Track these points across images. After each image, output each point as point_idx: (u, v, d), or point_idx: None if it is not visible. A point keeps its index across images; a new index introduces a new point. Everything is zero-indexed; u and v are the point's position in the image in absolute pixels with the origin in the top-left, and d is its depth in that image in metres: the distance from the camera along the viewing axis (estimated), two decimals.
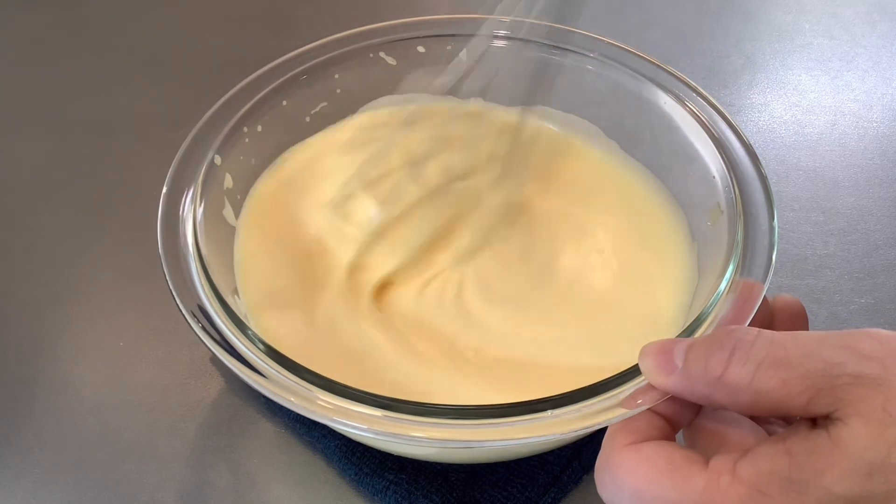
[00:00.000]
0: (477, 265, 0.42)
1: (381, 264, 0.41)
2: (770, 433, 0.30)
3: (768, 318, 0.35)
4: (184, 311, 0.34)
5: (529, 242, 0.43)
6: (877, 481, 0.24)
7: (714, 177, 0.41)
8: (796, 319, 0.35)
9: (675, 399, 0.29)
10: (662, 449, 0.27)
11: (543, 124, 0.49)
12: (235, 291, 0.40)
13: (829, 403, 0.25)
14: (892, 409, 0.25)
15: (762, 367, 0.26)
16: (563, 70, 0.47)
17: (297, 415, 0.41)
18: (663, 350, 0.29)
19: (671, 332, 0.37)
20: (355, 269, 0.41)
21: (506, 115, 0.48)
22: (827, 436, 0.25)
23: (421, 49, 0.48)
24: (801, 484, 0.25)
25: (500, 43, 0.48)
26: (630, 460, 0.28)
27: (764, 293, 0.34)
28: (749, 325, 0.33)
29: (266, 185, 0.45)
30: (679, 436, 0.31)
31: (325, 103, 0.47)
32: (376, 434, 0.30)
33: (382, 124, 0.47)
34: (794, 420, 0.28)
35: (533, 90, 0.48)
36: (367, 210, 0.42)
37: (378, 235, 0.42)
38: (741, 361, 0.27)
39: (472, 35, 0.47)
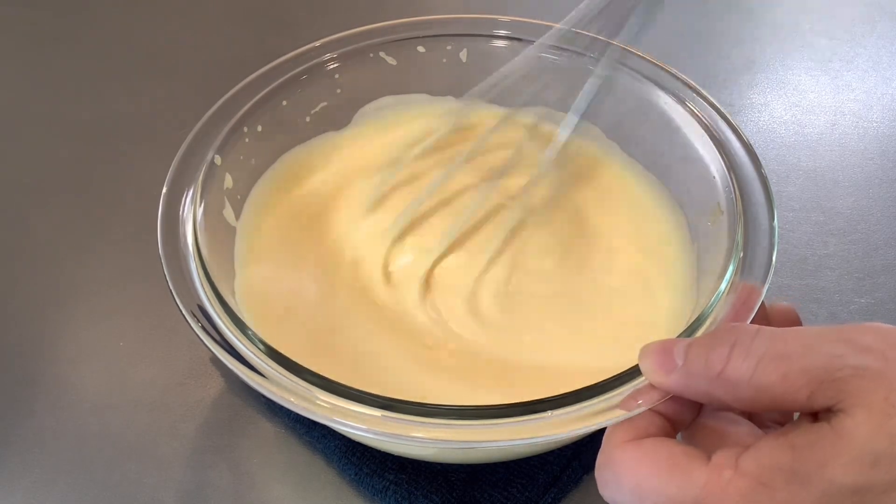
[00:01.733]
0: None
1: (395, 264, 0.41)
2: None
3: (766, 321, 0.35)
4: (184, 311, 0.34)
5: (528, 245, 0.43)
6: (881, 471, 0.24)
7: (714, 177, 0.41)
8: (789, 326, 0.35)
9: (676, 399, 0.29)
10: (663, 445, 0.27)
11: (542, 124, 0.49)
12: (234, 291, 0.40)
13: (831, 396, 0.25)
14: (895, 399, 0.25)
15: (763, 361, 0.26)
16: (562, 71, 0.47)
17: (297, 415, 0.41)
18: (663, 349, 0.29)
19: (671, 333, 0.37)
20: (364, 268, 0.41)
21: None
22: (829, 428, 0.25)
23: (421, 49, 0.48)
24: (805, 475, 0.25)
25: (500, 43, 0.48)
26: (631, 456, 0.28)
27: (764, 294, 0.34)
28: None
29: (268, 186, 0.45)
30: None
31: (325, 103, 0.47)
32: (376, 434, 0.30)
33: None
34: (791, 419, 0.28)
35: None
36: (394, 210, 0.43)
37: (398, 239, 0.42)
38: (742, 356, 0.27)
39: (471, 35, 0.47)
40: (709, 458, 0.27)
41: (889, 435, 0.24)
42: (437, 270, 0.42)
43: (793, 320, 0.35)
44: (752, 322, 0.33)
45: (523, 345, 0.39)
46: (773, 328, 0.27)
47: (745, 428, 0.30)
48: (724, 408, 0.30)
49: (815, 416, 0.26)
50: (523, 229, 0.44)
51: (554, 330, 0.39)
